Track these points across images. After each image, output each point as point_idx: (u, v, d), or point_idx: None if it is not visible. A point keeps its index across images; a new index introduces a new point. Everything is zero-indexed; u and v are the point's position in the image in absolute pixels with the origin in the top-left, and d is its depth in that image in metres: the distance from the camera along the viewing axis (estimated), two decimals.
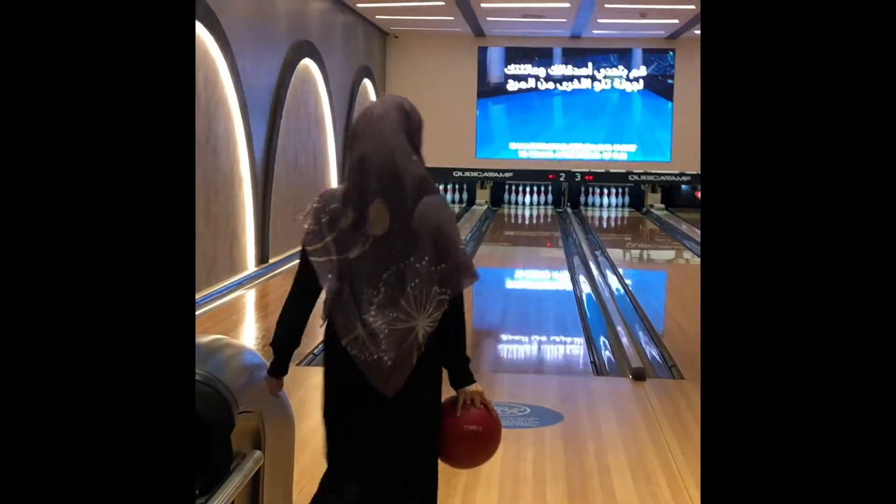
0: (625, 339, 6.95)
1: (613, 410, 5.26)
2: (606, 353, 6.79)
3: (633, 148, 18.64)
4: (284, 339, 2.89)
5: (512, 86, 18.57)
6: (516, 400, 5.28)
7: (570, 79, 18.54)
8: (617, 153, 18.68)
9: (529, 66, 18.50)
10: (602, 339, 7.24)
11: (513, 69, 18.51)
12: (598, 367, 6.47)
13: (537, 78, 18.55)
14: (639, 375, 5.89)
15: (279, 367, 2.90)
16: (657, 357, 6.68)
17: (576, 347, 7.22)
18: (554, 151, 18.66)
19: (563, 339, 7.66)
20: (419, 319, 2.65)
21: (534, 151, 18.68)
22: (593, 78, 18.50)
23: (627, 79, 18.44)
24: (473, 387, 2.76)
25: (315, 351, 6.67)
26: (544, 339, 7.62)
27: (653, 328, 7.61)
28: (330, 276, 2.69)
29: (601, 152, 18.65)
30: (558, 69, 18.48)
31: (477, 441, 2.80)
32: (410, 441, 2.74)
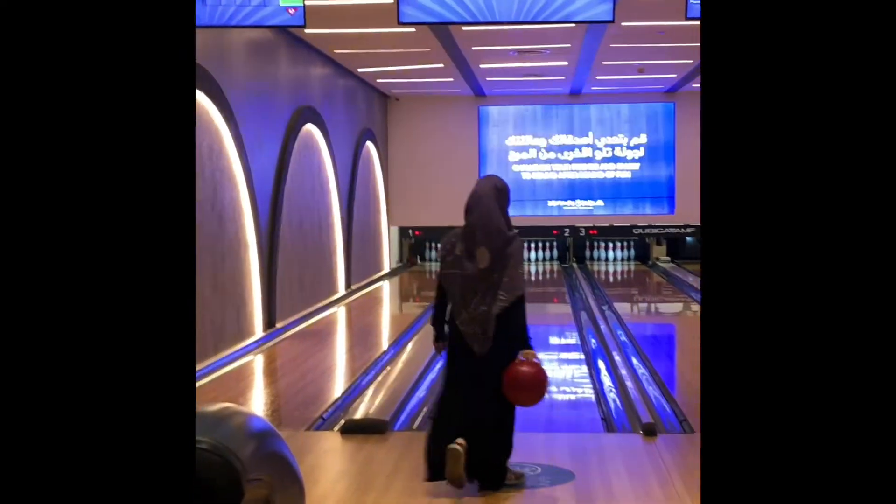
0: (634, 394, 6.93)
1: (625, 467, 5.23)
2: (616, 409, 6.76)
3: (634, 204, 18.69)
4: (437, 318, 4.91)
5: (513, 156, 18.66)
6: (527, 459, 5.26)
7: (570, 148, 18.64)
8: (620, 208, 18.72)
9: (531, 136, 18.63)
10: (612, 394, 7.21)
11: (513, 141, 18.63)
12: (608, 424, 6.43)
13: (538, 148, 18.66)
14: (649, 431, 5.86)
15: (439, 336, 4.92)
16: (668, 411, 6.65)
17: (585, 404, 7.19)
18: (560, 208, 18.71)
19: (573, 395, 7.63)
20: (491, 308, 4.63)
21: (539, 207, 18.74)
22: (594, 147, 18.59)
23: (629, 146, 18.53)
24: (527, 351, 4.69)
25: (324, 415, 6.65)
26: (554, 396, 7.59)
27: (662, 382, 7.58)
28: (453, 283, 4.75)
29: (604, 206, 18.69)
30: (559, 139, 18.60)
31: (525, 380, 4.64)
32: (493, 379, 4.63)
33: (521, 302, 4.72)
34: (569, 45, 12.12)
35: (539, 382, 4.66)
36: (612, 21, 5.65)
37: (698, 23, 6.82)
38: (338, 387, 7.94)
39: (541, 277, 17.84)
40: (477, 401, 4.67)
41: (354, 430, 6.00)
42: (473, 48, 12.36)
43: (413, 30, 10.38)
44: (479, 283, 4.67)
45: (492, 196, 4.79)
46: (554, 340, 10.54)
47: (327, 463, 5.62)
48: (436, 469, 4.69)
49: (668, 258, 18.84)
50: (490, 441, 4.69)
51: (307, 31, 11.02)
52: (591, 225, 18.89)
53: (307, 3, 8.91)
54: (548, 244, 19.26)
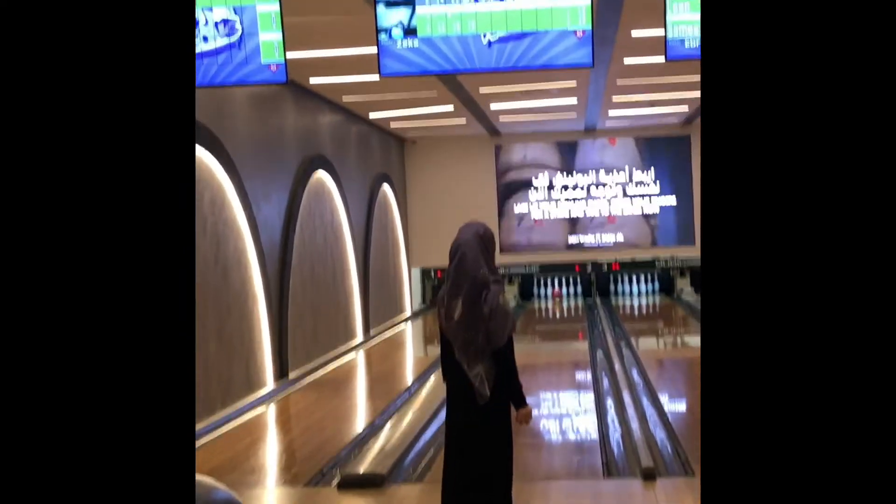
0: (638, 437, 6.83)
1: None
2: (619, 453, 6.66)
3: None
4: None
5: (532, 195, 18.58)
6: None
7: (589, 183, 18.52)
8: (642, 240, 18.60)
9: (549, 173, 18.57)
10: (617, 437, 7.12)
11: (532, 177, 18.59)
12: (609, 468, 6.34)
13: (556, 186, 18.56)
14: (649, 475, 5.77)
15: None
16: (671, 453, 6.55)
17: (590, 447, 7.10)
18: (580, 242, 18.60)
19: (579, 438, 7.53)
20: (481, 366, 4.38)
21: (561, 244, 18.65)
22: (612, 182, 18.46)
23: (646, 180, 18.41)
24: (523, 411, 4.50)
25: (323, 470, 6.58)
26: (559, 439, 7.51)
27: (669, 423, 7.48)
28: (448, 338, 4.48)
29: (626, 240, 18.57)
30: (576, 175, 18.52)
31: None
32: (490, 430, 4.46)
33: (507, 352, 4.44)
34: (574, 83, 12.12)
35: None
36: (592, 66, 5.62)
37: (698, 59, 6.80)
38: (344, 437, 7.89)
39: (565, 314, 17.75)
40: (476, 453, 4.48)
41: (352, 484, 5.96)
42: (481, 90, 12.39)
43: None
44: (459, 336, 4.40)
45: (472, 244, 4.47)
46: (567, 381, 10.45)
47: None
48: None
49: (692, 289, 18.67)
50: (494, 489, 4.53)
51: (312, 81, 11.10)
52: (613, 259, 18.80)
53: (303, 55, 9.01)
54: (572, 279, 19.20)
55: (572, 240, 18.66)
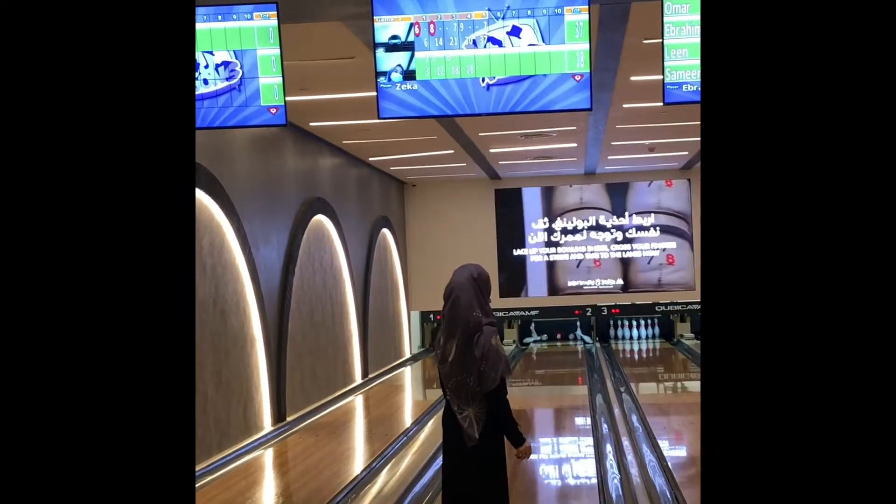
0: (637, 482, 6.78)
1: None
2: (618, 498, 6.61)
3: (657, 276, 18.49)
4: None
5: (532, 238, 18.57)
6: None
7: (588, 227, 18.48)
8: (641, 284, 18.56)
9: (548, 217, 18.54)
10: (615, 483, 7.07)
11: (531, 221, 18.58)
12: None
13: (555, 230, 18.54)
14: None
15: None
16: (670, 499, 6.49)
17: (588, 493, 7.04)
18: (580, 287, 18.57)
19: (578, 483, 7.47)
20: (471, 408, 4.48)
21: (560, 288, 18.61)
22: (612, 226, 18.42)
23: (646, 224, 18.37)
24: (522, 448, 4.59)
25: None
26: (557, 484, 7.45)
27: (669, 468, 7.42)
28: (440, 376, 4.63)
29: (625, 284, 18.52)
30: (576, 219, 18.50)
31: None
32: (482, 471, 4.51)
33: (499, 394, 4.47)
34: (574, 128, 12.17)
35: None
36: (590, 109, 5.65)
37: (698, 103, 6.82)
38: (342, 481, 7.83)
39: (564, 358, 17.69)
40: (471, 497, 4.52)
41: None
42: (480, 134, 12.45)
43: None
44: (452, 379, 4.51)
45: (466, 286, 4.56)
46: (566, 425, 10.39)
47: None
48: None
49: (692, 335, 18.62)
50: None
51: (312, 124, 11.16)
52: (613, 304, 18.76)
53: (303, 99, 9.06)
54: (571, 323, 19.17)
55: (572, 283, 18.54)
